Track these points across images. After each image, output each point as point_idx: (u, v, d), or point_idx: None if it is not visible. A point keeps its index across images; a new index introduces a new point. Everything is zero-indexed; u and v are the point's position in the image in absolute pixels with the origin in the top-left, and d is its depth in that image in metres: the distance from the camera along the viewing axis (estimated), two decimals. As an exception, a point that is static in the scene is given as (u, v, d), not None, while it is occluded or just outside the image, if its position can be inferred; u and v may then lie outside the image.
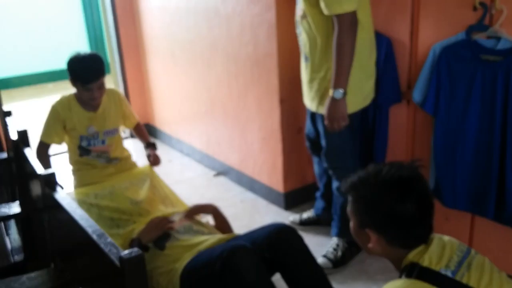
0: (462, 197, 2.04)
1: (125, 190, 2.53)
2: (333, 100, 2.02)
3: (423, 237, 1.31)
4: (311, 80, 2.18)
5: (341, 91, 2.00)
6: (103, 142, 2.63)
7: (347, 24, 1.94)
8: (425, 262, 1.25)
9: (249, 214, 2.89)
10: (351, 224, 1.39)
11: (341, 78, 2.00)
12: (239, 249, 1.75)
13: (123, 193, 2.50)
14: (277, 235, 1.88)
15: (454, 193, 2.05)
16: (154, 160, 2.72)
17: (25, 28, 6.43)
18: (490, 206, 1.95)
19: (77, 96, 2.57)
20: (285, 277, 1.90)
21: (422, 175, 1.33)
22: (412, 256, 1.28)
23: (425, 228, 1.31)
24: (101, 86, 2.52)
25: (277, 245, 1.86)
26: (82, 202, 2.42)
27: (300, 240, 1.93)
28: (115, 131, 2.70)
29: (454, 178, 2.04)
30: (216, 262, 1.73)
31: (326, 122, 2.10)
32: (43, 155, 2.57)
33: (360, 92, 2.15)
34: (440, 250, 1.28)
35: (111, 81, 4.26)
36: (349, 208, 1.38)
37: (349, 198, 1.37)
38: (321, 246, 2.47)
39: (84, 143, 2.60)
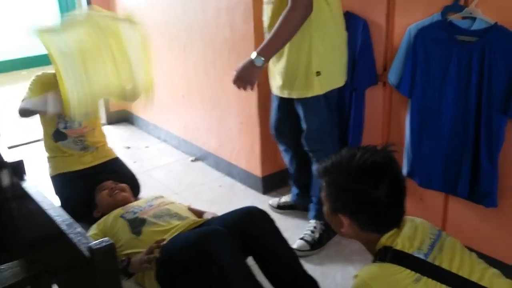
0: (437, 178, 2.06)
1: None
2: (252, 64, 2.03)
3: (395, 221, 1.32)
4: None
5: (262, 59, 2.00)
6: (79, 124, 2.59)
7: (302, 4, 1.92)
8: (398, 246, 1.26)
9: (228, 198, 2.88)
10: (325, 208, 1.38)
11: (270, 49, 2.02)
12: (214, 234, 1.74)
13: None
14: (248, 218, 1.89)
15: (429, 173, 2.07)
16: None
17: (-3, 14, 6.26)
18: (464, 186, 1.96)
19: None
20: (258, 260, 1.91)
21: (395, 160, 1.33)
22: (385, 240, 1.29)
23: (397, 213, 1.32)
24: None
25: (249, 228, 1.87)
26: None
27: (271, 222, 1.94)
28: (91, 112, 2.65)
29: (429, 158, 2.05)
30: (191, 247, 1.73)
31: (234, 79, 2.11)
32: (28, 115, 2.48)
33: (331, 71, 2.14)
34: (412, 233, 1.29)
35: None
36: (322, 193, 1.38)
37: (322, 183, 1.37)
38: (298, 229, 2.48)
39: (61, 126, 2.55)
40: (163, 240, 1.90)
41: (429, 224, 1.36)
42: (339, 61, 2.18)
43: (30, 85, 2.52)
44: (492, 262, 1.38)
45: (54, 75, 2.44)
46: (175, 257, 1.80)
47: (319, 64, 2.08)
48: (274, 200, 2.76)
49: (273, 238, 1.92)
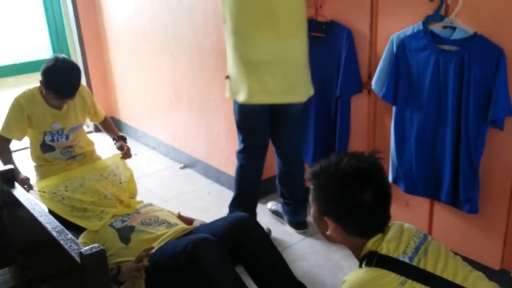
0: (420, 184, 2.10)
1: (96, 183, 2.43)
2: None
3: (380, 226, 1.35)
4: None
5: None
6: (67, 137, 2.59)
7: None
8: (383, 250, 1.28)
9: (217, 205, 2.90)
10: (312, 211, 1.42)
11: None
12: (203, 242, 1.75)
13: (94, 187, 2.40)
14: (237, 226, 1.90)
15: (413, 180, 2.11)
16: (126, 152, 2.65)
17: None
18: (447, 191, 2.01)
19: (41, 92, 2.49)
20: (247, 268, 1.92)
21: (381, 166, 1.37)
22: (370, 244, 1.32)
23: (382, 218, 1.35)
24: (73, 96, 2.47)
25: (238, 235, 1.88)
26: (53, 194, 2.33)
27: (261, 229, 1.95)
28: (79, 127, 2.65)
29: (412, 165, 2.09)
30: (180, 255, 1.73)
31: None
32: (4, 150, 2.50)
33: (234, 81, 2.20)
34: (397, 238, 1.32)
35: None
36: (310, 196, 1.41)
37: (310, 186, 1.40)
38: (289, 235, 2.51)
39: (47, 139, 2.54)
40: (152, 248, 1.91)
41: (415, 228, 1.39)
42: (240, 77, 2.16)
43: (9, 111, 2.48)
44: (477, 266, 1.41)
45: (33, 92, 2.48)
46: (164, 265, 1.80)
47: (229, 69, 2.23)
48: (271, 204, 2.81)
49: (262, 245, 1.93)
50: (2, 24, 6.32)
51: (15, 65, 6.26)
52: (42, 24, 6.49)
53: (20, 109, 2.45)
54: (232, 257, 1.85)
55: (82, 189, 2.39)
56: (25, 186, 2.37)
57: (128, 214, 2.21)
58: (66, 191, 2.37)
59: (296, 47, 2.15)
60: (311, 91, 2.27)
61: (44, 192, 2.34)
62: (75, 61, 4.14)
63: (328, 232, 1.38)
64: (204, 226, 2.04)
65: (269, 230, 2.52)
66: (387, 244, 1.29)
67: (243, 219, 1.95)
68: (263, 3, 2.06)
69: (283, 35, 2.09)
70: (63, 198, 2.34)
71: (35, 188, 2.36)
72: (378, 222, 1.35)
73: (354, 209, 1.31)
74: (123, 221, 2.15)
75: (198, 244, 1.74)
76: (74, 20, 4.00)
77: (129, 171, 2.62)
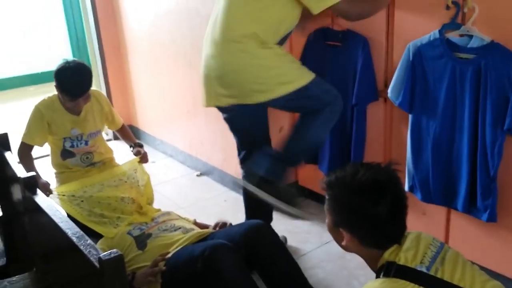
0: (436, 192, 2.09)
1: (115, 188, 2.48)
2: None
3: (396, 238, 1.35)
4: None
5: None
6: (86, 143, 2.64)
7: None
8: (401, 260, 1.28)
9: (233, 213, 2.91)
10: (327, 221, 1.42)
11: None
12: (220, 248, 1.77)
13: (113, 192, 2.45)
14: (253, 233, 1.92)
15: (429, 188, 2.10)
16: (143, 157, 2.69)
17: (6, 31, 6.35)
18: (463, 200, 1.99)
19: (60, 99, 2.56)
20: (262, 274, 1.93)
21: (398, 178, 1.36)
22: (387, 255, 1.32)
23: (398, 229, 1.35)
24: (87, 97, 2.53)
25: (253, 242, 1.90)
26: (72, 197, 2.38)
27: (276, 237, 1.96)
28: (98, 133, 2.71)
29: (428, 173, 2.08)
30: (197, 261, 1.75)
31: None
32: (26, 157, 2.56)
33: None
34: (414, 247, 1.32)
35: (93, 84, 4.23)
36: (325, 206, 1.41)
37: (326, 196, 1.41)
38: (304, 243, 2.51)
39: (67, 144, 2.60)
40: (168, 253, 1.93)
41: (432, 237, 1.39)
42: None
43: (30, 118, 2.55)
44: (495, 276, 1.40)
45: (52, 99, 2.56)
46: (181, 270, 1.82)
47: None
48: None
49: (277, 252, 1.94)
50: (23, 34, 6.46)
51: (36, 74, 6.37)
52: (63, 34, 6.62)
53: (40, 116, 2.53)
54: (247, 264, 1.87)
55: (100, 194, 2.44)
56: (46, 191, 2.42)
57: (146, 223, 2.24)
58: (85, 194, 2.42)
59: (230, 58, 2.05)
60: (294, 85, 2.03)
61: (63, 195, 2.39)
62: (95, 70, 4.25)
63: (343, 243, 1.38)
64: (220, 232, 2.06)
65: (285, 238, 2.52)
66: (404, 254, 1.29)
67: (259, 226, 1.96)
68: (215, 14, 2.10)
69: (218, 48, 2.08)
70: (82, 201, 2.39)
71: (55, 193, 2.41)
72: (394, 233, 1.35)
73: (369, 220, 1.32)
74: (141, 229, 2.18)
75: (215, 249, 1.75)
76: (94, 30, 4.08)
77: (146, 175, 2.66)
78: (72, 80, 2.45)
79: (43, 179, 2.52)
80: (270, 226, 1.97)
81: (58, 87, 2.48)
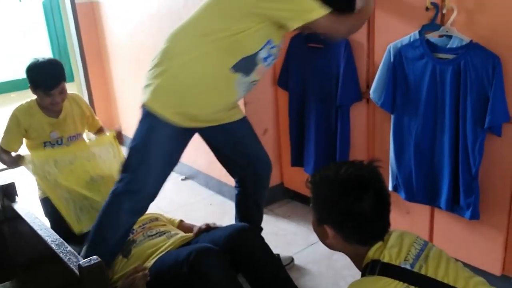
0: (420, 191, 2.10)
1: (87, 162, 2.47)
2: None
3: (380, 234, 1.36)
4: None
5: None
6: (67, 146, 2.62)
7: None
8: (386, 258, 1.29)
9: (218, 216, 2.90)
10: (312, 219, 1.42)
11: None
12: (205, 251, 1.76)
13: (84, 166, 2.44)
14: (237, 236, 1.91)
15: (412, 187, 2.11)
16: (119, 134, 2.66)
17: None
18: (445, 198, 2.01)
19: (38, 102, 2.54)
20: (248, 278, 1.92)
21: (380, 174, 1.38)
22: (372, 253, 1.33)
23: (381, 226, 1.36)
24: (62, 91, 2.51)
25: (238, 245, 1.89)
26: (40, 168, 2.35)
27: (261, 240, 1.96)
28: (78, 136, 2.68)
29: (411, 173, 2.10)
30: (183, 265, 1.74)
31: None
32: (5, 158, 2.56)
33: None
34: (398, 244, 1.33)
35: (75, 90, 4.20)
36: (310, 204, 1.42)
37: (311, 194, 1.41)
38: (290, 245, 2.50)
39: (48, 149, 2.57)
40: (145, 268, 1.84)
41: (416, 235, 1.40)
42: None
43: (7, 124, 2.55)
44: (478, 272, 1.41)
45: (30, 104, 2.56)
46: (166, 274, 1.81)
47: None
48: None
49: (263, 255, 1.93)
50: (5, 40, 6.40)
51: (17, 80, 6.33)
52: (44, 40, 6.57)
53: (17, 121, 2.53)
54: (233, 267, 1.86)
55: (71, 166, 2.42)
56: (18, 160, 2.43)
57: (133, 229, 2.22)
58: (56, 166, 2.39)
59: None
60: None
61: (35, 163, 2.35)
62: (77, 77, 4.22)
63: (327, 241, 1.38)
64: (204, 236, 2.05)
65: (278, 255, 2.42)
66: (389, 251, 1.30)
67: (243, 229, 1.96)
68: None
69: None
70: (48, 175, 2.36)
71: (26, 158, 2.37)
72: (378, 230, 1.36)
73: (353, 217, 1.32)
74: None
75: (200, 253, 1.74)
76: (76, 36, 4.05)
77: (122, 154, 2.62)
78: (44, 73, 2.45)
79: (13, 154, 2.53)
80: (254, 229, 1.96)
81: (32, 83, 2.48)
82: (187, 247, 1.90)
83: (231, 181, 3.04)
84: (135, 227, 2.24)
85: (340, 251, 1.42)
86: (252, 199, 2.26)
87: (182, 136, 1.99)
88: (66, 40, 4.24)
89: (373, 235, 1.35)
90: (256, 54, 1.83)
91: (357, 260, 1.40)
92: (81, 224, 2.34)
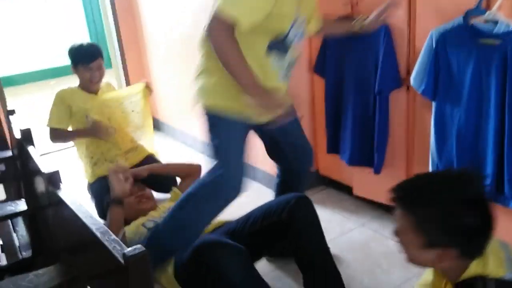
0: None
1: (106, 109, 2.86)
2: None
3: (484, 247, 1.29)
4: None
5: None
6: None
7: None
8: (493, 273, 1.24)
9: (254, 202, 2.89)
10: (411, 241, 1.31)
11: None
12: (219, 247, 1.81)
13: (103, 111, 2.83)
14: (296, 201, 1.98)
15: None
16: (149, 86, 3.11)
17: (27, 26, 6.48)
18: (488, 188, 1.95)
19: (79, 85, 2.85)
20: (293, 244, 1.99)
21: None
22: (474, 268, 1.26)
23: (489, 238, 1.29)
24: (100, 67, 2.80)
25: (294, 211, 1.95)
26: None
27: (314, 214, 2.01)
28: None
29: (453, 162, 2.04)
30: (200, 263, 1.82)
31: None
32: (58, 137, 2.83)
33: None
34: (494, 255, 1.28)
35: (113, 76, 4.28)
36: (402, 228, 1.33)
37: (413, 217, 1.29)
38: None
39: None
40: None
41: (498, 240, 1.33)
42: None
43: (52, 105, 2.82)
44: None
45: (72, 89, 2.87)
46: (188, 267, 1.90)
47: None
48: None
49: (313, 229, 2.00)
50: (44, 29, 6.56)
51: (56, 68, 6.49)
52: (83, 29, 6.70)
53: (61, 99, 2.81)
54: (279, 235, 2.01)
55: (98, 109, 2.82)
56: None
57: (161, 215, 2.31)
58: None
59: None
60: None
61: None
62: (114, 64, 4.30)
63: (440, 263, 1.30)
64: (256, 209, 2.17)
65: None
66: (492, 265, 1.25)
67: (302, 198, 2.03)
68: None
69: None
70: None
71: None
72: (485, 243, 1.28)
73: (470, 234, 1.25)
74: (155, 222, 2.25)
75: (214, 250, 1.81)
76: (113, 23, 4.13)
77: (147, 105, 3.07)
78: (84, 48, 2.77)
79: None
80: (311, 202, 2.02)
81: (73, 61, 2.76)
82: (208, 241, 1.91)
83: (265, 167, 3.05)
84: (163, 214, 2.31)
85: (432, 266, 1.37)
86: (294, 190, 2.27)
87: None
88: (104, 28, 4.32)
89: (482, 249, 1.28)
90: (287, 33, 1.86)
91: (451, 273, 1.31)
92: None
